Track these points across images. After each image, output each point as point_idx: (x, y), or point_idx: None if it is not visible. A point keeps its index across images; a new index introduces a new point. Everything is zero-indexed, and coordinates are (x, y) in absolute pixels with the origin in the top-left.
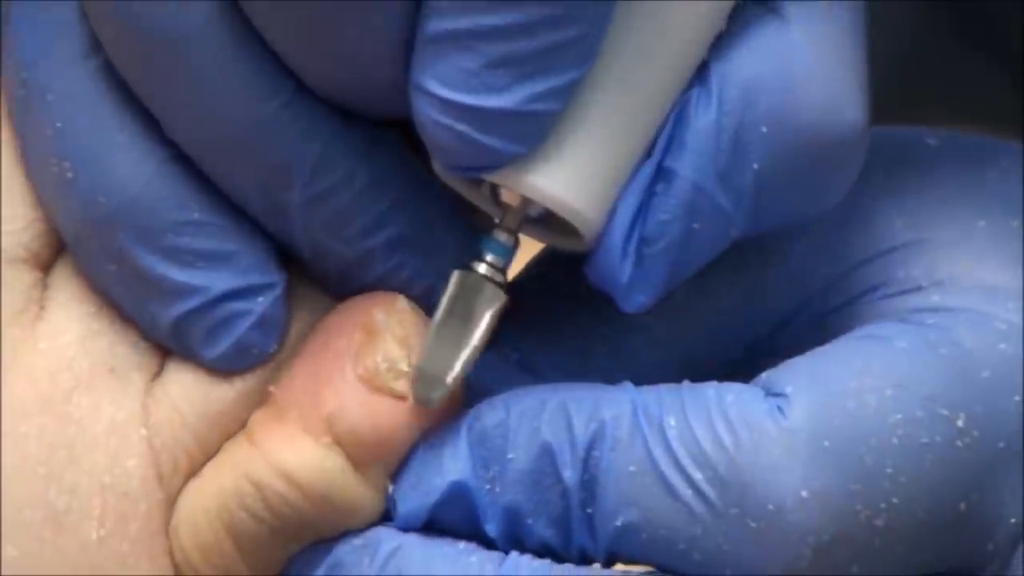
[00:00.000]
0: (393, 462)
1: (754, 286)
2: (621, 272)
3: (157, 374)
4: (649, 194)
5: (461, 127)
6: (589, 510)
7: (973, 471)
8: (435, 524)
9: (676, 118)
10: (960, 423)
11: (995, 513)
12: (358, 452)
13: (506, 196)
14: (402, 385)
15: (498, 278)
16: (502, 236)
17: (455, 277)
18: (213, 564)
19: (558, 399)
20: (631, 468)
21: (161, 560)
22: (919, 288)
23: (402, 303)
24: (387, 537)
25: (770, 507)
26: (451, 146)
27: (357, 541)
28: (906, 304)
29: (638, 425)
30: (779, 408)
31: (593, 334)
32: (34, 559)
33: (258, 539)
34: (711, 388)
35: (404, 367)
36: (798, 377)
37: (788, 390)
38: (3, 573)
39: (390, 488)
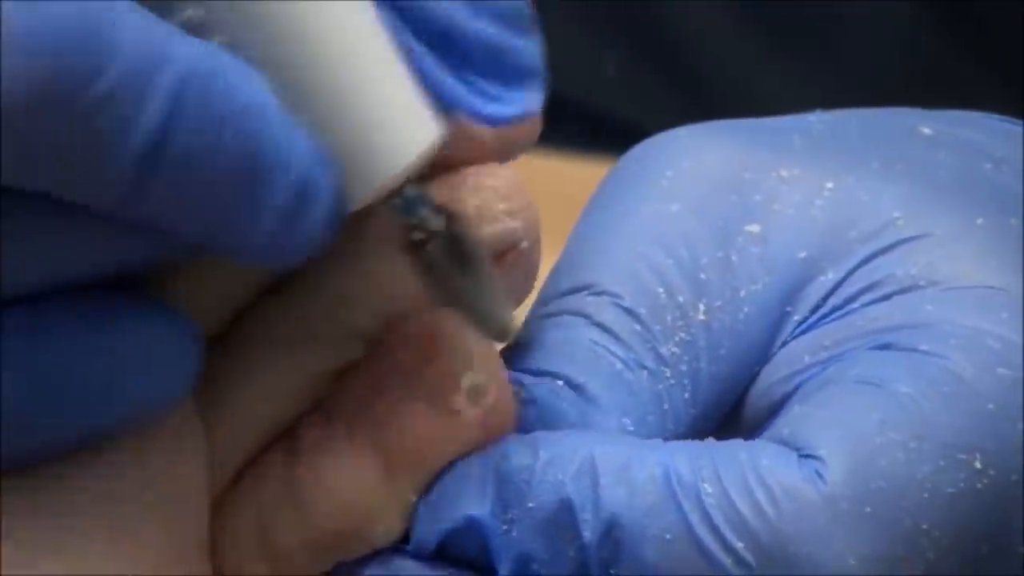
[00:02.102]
0: (426, 476)
1: (776, 299)
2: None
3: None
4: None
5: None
6: (613, 571)
7: (994, 511)
8: (448, 552)
9: None
10: (978, 465)
11: (1009, 547)
12: (397, 461)
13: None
14: (457, 401)
15: (437, 221)
16: (403, 197)
17: (426, 258)
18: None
19: (587, 452)
20: (667, 536)
21: (203, 567)
22: (916, 287)
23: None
24: (408, 569)
25: None
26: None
27: (380, 571)
28: (898, 316)
29: (671, 492)
30: (817, 473)
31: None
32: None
33: (289, 552)
34: (742, 450)
35: (460, 383)
36: (827, 435)
37: (822, 452)
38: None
39: (413, 499)
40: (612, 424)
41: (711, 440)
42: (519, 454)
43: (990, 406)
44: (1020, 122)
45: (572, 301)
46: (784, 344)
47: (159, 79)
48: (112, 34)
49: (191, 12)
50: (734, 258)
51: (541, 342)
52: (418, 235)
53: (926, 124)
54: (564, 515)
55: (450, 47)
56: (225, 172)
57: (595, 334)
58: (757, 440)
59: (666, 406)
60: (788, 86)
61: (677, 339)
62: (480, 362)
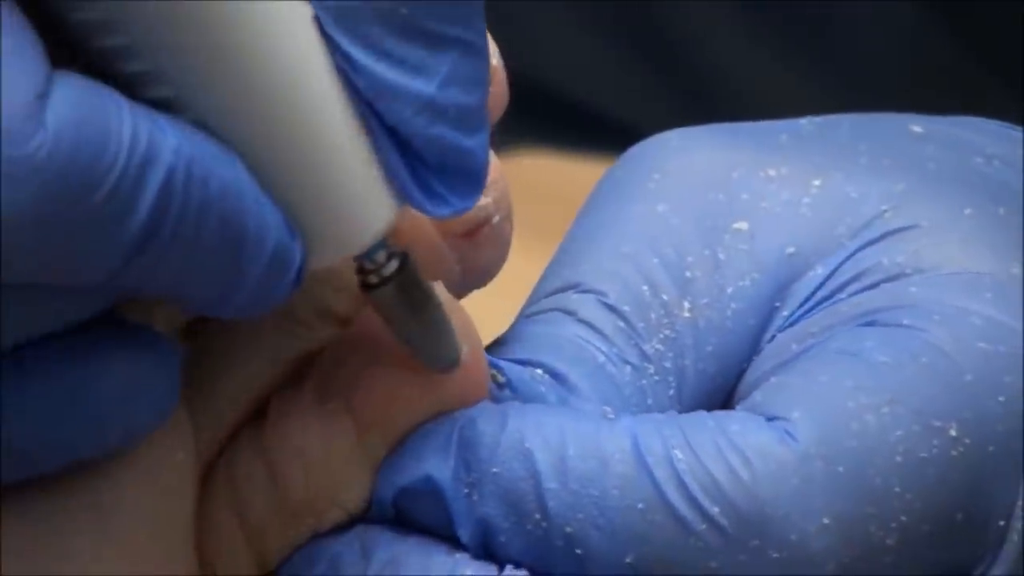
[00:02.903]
0: (396, 436)
1: (769, 296)
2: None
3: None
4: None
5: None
6: (579, 551)
7: (969, 479)
8: (409, 516)
9: None
10: (953, 432)
11: (986, 518)
12: (368, 419)
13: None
14: None
15: (392, 266)
16: None
17: (376, 299)
18: (222, 555)
19: (556, 423)
20: (639, 505)
21: (188, 562)
22: (902, 275)
23: (439, 288)
24: (384, 540)
25: (792, 537)
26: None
27: (356, 543)
28: (881, 300)
29: (642, 461)
30: (787, 432)
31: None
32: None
33: (264, 517)
34: (709, 418)
35: None
36: (798, 400)
37: (794, 415)
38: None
39: (384, 457)
40: (593, 411)
41: (673, 413)
42: (487, 420)
43: (968, 377)
44: (1020, 128)
45: (558, 299)
46: (772, 339)
47: (150, 177)
48: (111, 139)
49: (161, 91)
50: (721, 256)
51: (525, 336)
52: (372, 279)
53: (918, 124)
54: (529, 484)
55: (407, 142)
56: (208, 250)
57: (579, 329)
58: (719, 411)
59: (650, 401)
60: (788, 86)
61: (662, 336)
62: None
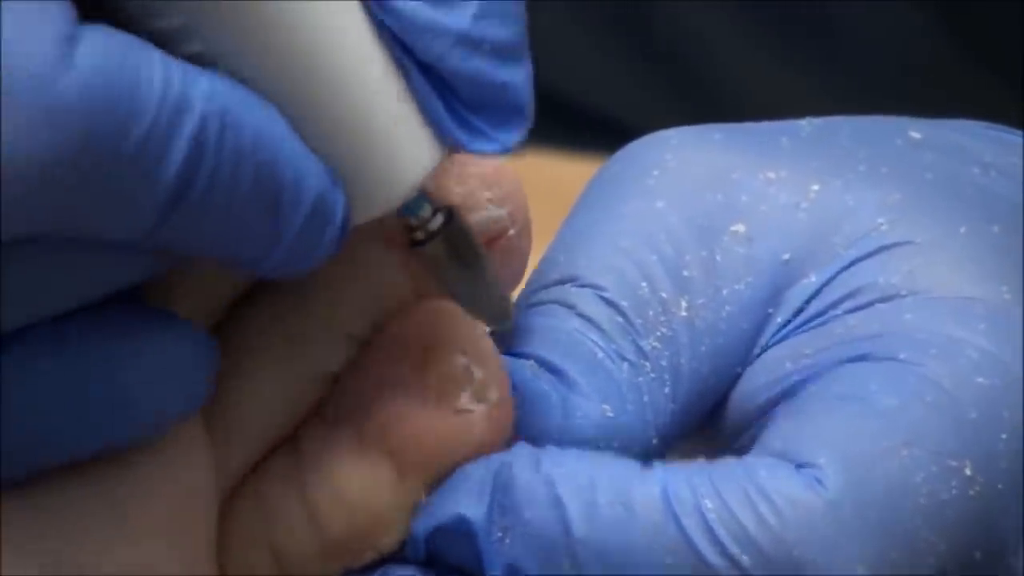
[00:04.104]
0: (436, 477)
1: (765, 301)
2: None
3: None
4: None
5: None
6: None
7: (985, 517)
8: (440, 557)
9: None
10: (968, 472)
11: (1000, 556)
12: (408, 462)
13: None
14: (464, 399)
15: (438, 220)
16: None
17: (425, 256)
18: None
19: (588, 470)
20: (668, 558)
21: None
22: (896, 296)
23: (461, 314)
24: None
25: None
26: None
27: None
28: (876, 324)
29: (671, 510)
30: (817, 479)
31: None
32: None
33: (302, 557)
34: (738, 466)
35: (464, 382)
36: (821, 446)
37: (820, 461)
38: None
39: (424, 499)
40: (592, 409)
41: (703, 461)
42: (521, 465)
43: (973, 415)
44: (1019, 132)
45: (557, 292)
46: (766, 346)
47: (183, 124)
48: (143, 84)
49: (192, 46)
50: (718, 257)
51: (524, 328)
52: (419, 235)
53: (916, 129)
54: (558, 531)
55: (443, 79)
56: (245, 201)
57: (578, 323)
58: (751, 456)
59: (646, 398)
60: (788, 86)
61: (659, 334)
62: (480, 359)
